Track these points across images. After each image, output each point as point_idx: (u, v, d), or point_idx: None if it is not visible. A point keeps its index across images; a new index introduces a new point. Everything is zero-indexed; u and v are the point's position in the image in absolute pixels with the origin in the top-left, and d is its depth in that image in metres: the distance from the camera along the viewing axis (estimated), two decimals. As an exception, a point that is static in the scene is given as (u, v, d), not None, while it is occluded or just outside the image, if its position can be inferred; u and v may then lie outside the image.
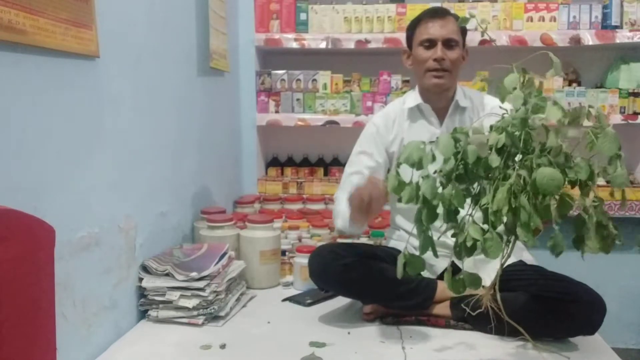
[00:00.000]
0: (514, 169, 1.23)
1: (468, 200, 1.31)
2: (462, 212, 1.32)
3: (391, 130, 1.97)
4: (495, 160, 1.23)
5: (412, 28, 1.93)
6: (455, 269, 1.81)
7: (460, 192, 1.28)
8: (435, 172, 1.31)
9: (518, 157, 1.26)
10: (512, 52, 2.89)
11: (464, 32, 1.91)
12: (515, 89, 1.28)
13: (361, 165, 1.94)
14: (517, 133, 1.25)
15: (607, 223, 1.26)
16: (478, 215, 1.30)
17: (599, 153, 1.24)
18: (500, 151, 1.25)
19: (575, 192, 1.28)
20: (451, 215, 1.30)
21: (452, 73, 1.86)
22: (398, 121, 1.97)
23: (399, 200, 1.33)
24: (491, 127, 1.31)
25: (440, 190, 1.29)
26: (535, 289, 1.63)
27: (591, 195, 1.26)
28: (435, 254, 1.37)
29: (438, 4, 2.75)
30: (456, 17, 1.90)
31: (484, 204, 1.24)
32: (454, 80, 1.90)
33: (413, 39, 1.92)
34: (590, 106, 1.29)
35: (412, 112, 1.96)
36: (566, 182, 1.24)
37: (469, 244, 1.25)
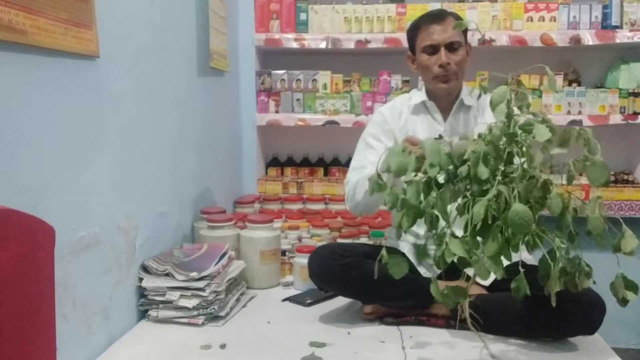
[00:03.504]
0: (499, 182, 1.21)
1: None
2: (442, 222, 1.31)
3: (397, 120, 1.97)
4: (484, 173, 1.20)
5: (413, 33, 1.93)
6: (454, 269, 1.83)
7: (447, 198, 1.26)
8: (415, 175, 1.29)
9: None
10: (512, 52, 2.89)
11: (464, 29, 1.90)
12: (505, 102, 1.24)
13: (366, 161, 1.92)
14: (504, 147, 1.22)
15: (574, 268, 1.24)
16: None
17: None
18: (486, 162, 1.23)
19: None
20: (434, 223, 1.28)
21: (458, 75, 1.87)
22: (404, 114, 1.98)
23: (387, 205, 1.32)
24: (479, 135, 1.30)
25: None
26: (535, 289, 1.63)
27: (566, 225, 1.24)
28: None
29: (438, 5, 2.76)
30: (455, 16, 1.90)
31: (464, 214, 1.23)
32: (461, 80, 1.91)
33: (415, 44, 1.92)
34: (582, 129, 1.24)
35: (417, 108, 1.97)
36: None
37: (447, 259, 1.24)
